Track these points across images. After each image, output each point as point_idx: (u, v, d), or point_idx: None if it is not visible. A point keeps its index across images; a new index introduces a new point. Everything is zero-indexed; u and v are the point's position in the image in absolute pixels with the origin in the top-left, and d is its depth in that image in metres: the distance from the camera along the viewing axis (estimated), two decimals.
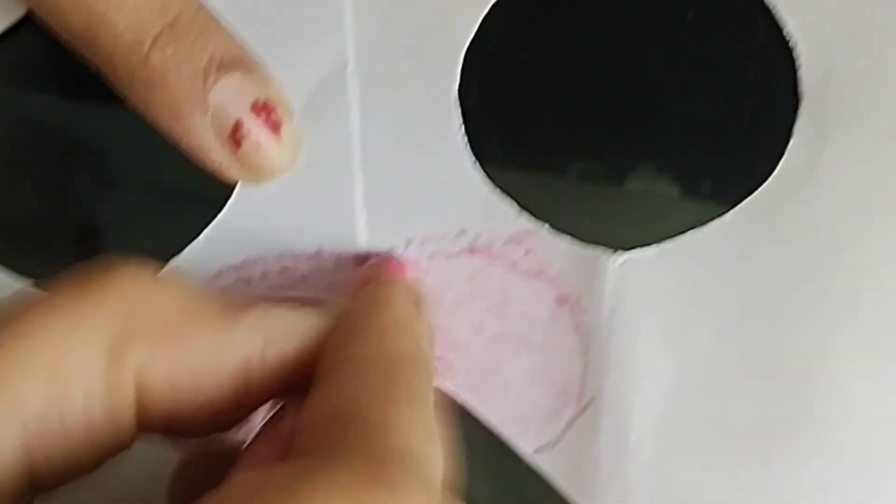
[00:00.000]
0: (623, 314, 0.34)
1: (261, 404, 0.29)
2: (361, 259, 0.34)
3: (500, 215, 0.34)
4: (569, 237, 0.34)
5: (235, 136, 0.32)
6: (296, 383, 0.28)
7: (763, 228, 0.33)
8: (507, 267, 0.34)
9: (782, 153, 0.33)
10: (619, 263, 0.34)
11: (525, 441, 0.35)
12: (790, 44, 0.32)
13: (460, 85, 0.34)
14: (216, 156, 0.33)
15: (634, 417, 0.34)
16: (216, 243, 0.35)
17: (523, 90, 0.34)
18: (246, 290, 0.35)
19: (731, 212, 0.34)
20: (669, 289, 0.34)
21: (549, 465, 0.35)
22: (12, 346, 0.25)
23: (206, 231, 0.35)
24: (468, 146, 0.34)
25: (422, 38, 0.34)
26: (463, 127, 0.34)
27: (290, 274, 0.35)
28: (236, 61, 0.32)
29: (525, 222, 0.34)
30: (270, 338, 0.28)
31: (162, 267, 0.35)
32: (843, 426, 0.33)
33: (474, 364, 0.35)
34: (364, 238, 0.34)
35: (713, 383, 0.34)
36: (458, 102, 0.34)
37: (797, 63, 0.32)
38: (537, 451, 0.35)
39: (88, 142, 0.35)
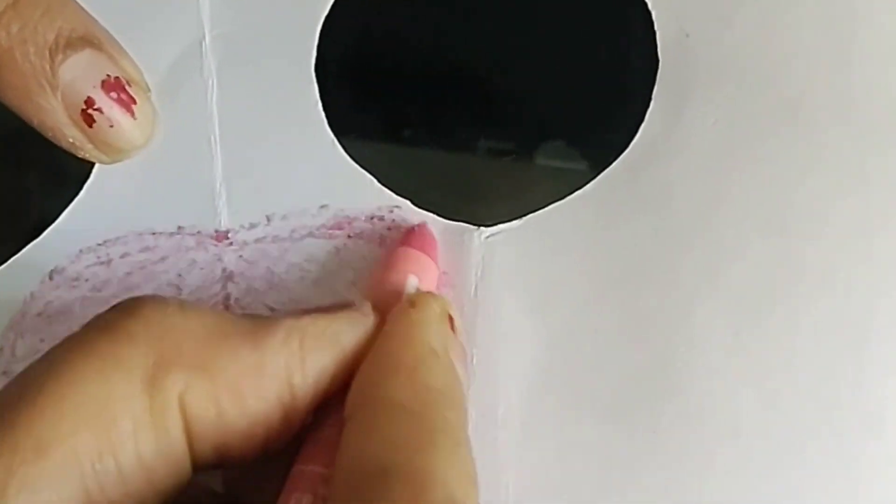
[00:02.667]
0: (489, 288, 0.34)
1: (307, 418, 0.28)
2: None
3: (362, 190, 0.34)
4: (432, 213, 0.34)
5: (87, 114, 0.32)
6: (336, 391, 0.28)
7: (624, 197, 0.33)
8: (371, 241, 0.34)
9: (643, 118, 0.33)
10: (484, 237, 0.33)
11: None
12: (648, 7, 0.32)
13: (317, 59, 0.34)
14: (69, 133, 0.32)
15: (502, 390, 0.34)
16: (76, 224, 0.34)
17: (381, 64, 0.34)
18: (107, 271, 0.34)
19: (592, 182, 0.33)
20: (534, 262, 0.34)
21: None
22: (56, 406, 0.24)
23: (65, 212, 0.34)
24: (326, 121, 0.33)
25: (278, 11, 0.33)
26: (321, 101, 0.33)
27: (151, 253, 0.34)
28: (85, 38, 0.32)
29: (387, 197, 0.34)
30: (307, 347, 0.28)
31: (20, 249, 0.34)
32: (705, 394, 0.33)
33: None
34: (224, 215, 0.34)
35: (579, 354, 0.34)
36: (315, 77, 0.33)
37: (655, 27, 0.32)
38: None
39: None
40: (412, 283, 0.32)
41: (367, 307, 0.29)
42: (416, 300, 0.30)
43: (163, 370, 0.25)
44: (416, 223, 0.34)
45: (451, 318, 0.30)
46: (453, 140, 0.34)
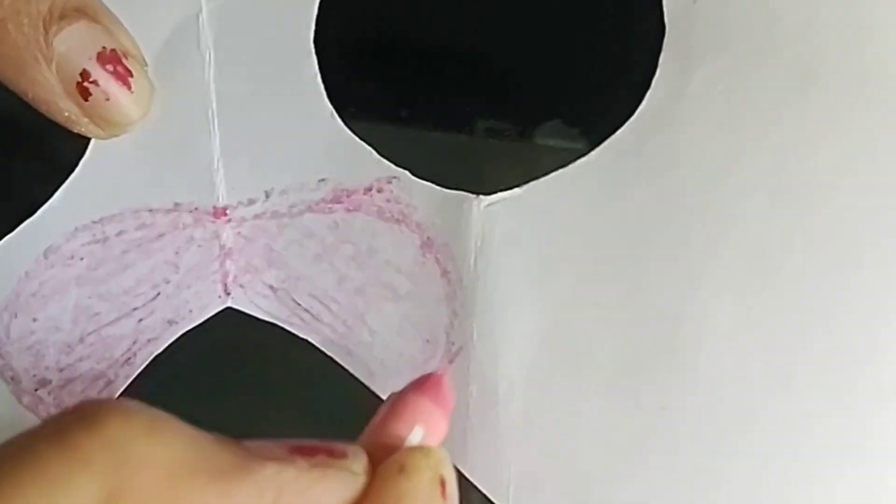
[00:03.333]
0: (490, 258, 0.33)
1: None
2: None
3: (360, 163, 0.33)
4: (431, 183, 0.33)
5: (82, 87, 0.31)
6: None
7: (629, 165, 0.32)
8: (370, 214, 0.33)
9: (647, 88, 0.32)
10: (484, 206, 0.33)
11: None
12: None
13: (316, 31, 0.33)
14: (64, 107, 0.32)
15: (503, 364, 0.33)
16: (71, 202, 0.34)
17: (380, 35, 0.33)
18: (103, 249, 0.34)
19: (596, 150, 0.33)
20: (535, 231, 0.33)
21: None
22: None
23: (60, 190, 0.34)
24: (325, 93, 0.33)
25: None
26: (320, 74, 0.33)
27: (147, 231, 0.34)
28: (80, 9, 0.32)
29: (386, 168, 0.33)
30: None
31: (16, 227, 0.34)
32: (713, 363, 0.32)
33: (340, 316, 0.34)
34: (222, 191, 0.33)
35: (581, 325, 0.33)
36: (314, 49, 0.33)
37: None
38: None
39: None
40: (416, 436, 0.29)
41: (360, 464, 0.26)
42: (405, 463, 0.27)
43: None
44: (436, 372, 0.31)
45: (443, 482, 0.27)
46: (459, 115, 0.33)
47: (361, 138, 0.33)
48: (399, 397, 0.30)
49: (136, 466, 0.22)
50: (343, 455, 0.26)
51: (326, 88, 0.33)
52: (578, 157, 0.33)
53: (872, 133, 0.32)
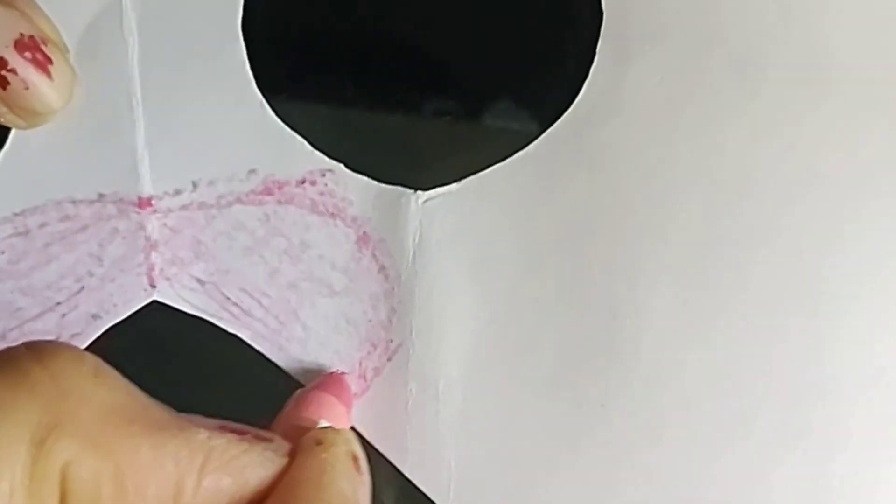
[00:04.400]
0: (428, 254, 0.32)
1: None
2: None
3: (292, 153, 0.32)
4: (367, 177, 0.32)
5: (0, 76, 0.30)
6: None
7: (567, 158, 0.32)
8: (302, 207, 0.32)
9: (585, 78, 0.31)
10: (422, 201, 0.32)
11: None
12: None
13: (244, 16, 0.32)
14: None
15: (443, 362, 0.32)
16: None
17: (312, 19, 0.32)
18: (25, 242, 0.32)
19: (534, 143, 0.32)
20: (474, 226, 0.32)
21: (357, 417, 0.33)
22: None
23: None
24: (254, 81, 0.32)
25: None
26: (248, 61, 0.32)
27: (71, 223, 0.32)
28: None
29: (319, 160, 0.32)
30: (209, 469, 0.25)
31: None
32: (651, 358, 0.32)
33: (271, 311, 0.33)
34: (147, 181, 0.32)
35: (520, 322, 0.32)
36: (241, 34, 0.32)
37: None
38: None
39: None
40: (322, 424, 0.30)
41: (284, 448, 0.27)
42: (322, 438, 0.28)
43: (55, 433, 0.23)
44: (335, 370, 0.33)
45: (356, 458, 0.28)
46: (396, 102, 0.32)
47: (294, 128, 0.32)
48: (303, 393, 0.31)
49: (77, 401, 0.23)
50: (269, 439, 0.27)
51: (255, 76, 0.32)
52: (522, 146, 0.32)
53: (811, 119, 0.32)
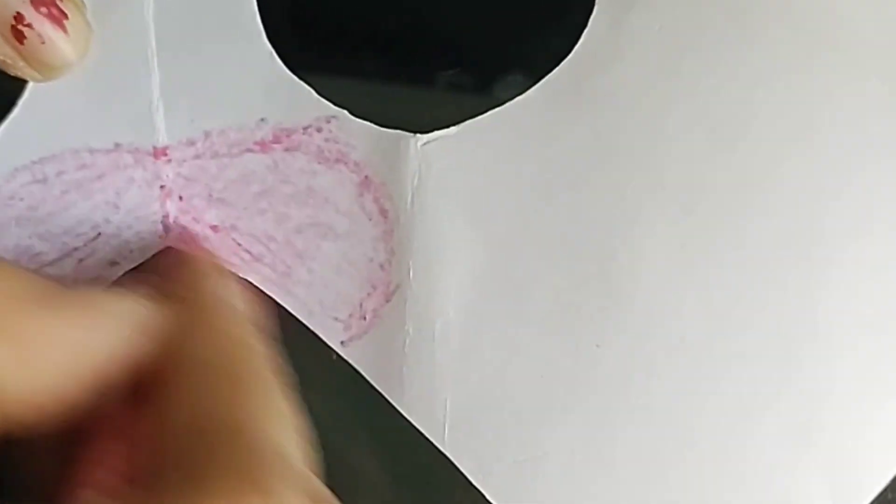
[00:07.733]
0: (427, 197, 0.33)
1: (105, 395, 0.27)
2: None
3: (299, 102, 0.33)
4: (369, 122, 0.33)
5: (17, 31, 0.31)
6: (127, 387, 0.27)
7: (565, 103, 0.33)
8: (309, 154, 0.33)
9: (585, 25, 0.32)
10: (421, 144, 0.33)
11: (332, 334, 0.34)
12: None
13: None
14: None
15: (440, 303, 0.33)
16: (10, 142, 0.34)
17: None
18: (43, 190, 0.34)
19: (534, 88, 0.33)
20: (472, 169, 0.33)
21: (356, 358, 0.34)
22: None
23: None
24: (264, 32, 0.33)
25: None
26: (258, 13, 0.33)
27: (87, 171, 0.34)
28: None
29: (325, 108, 0.33)
30: (101, 323, 0.26)
31: None
32: (647, 301, 0.32)
33: (279, 256, 0.34)
34: (162, 131, 0.33)
35: (518, 264, 0.33)
36: None
37: None
38: (344, 343, 0.34)
39: None
40: None
41: (156, 292, 0.28)
42: (194, 265, 0.30)
43: None
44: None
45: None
46: (400, 57, 0.34)
47: (300, 76, 0.33)
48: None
49: None
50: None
51: (265, 26, 0.33)
52: (516, 95, 0.33)
53: (810, 70, 0.32)
